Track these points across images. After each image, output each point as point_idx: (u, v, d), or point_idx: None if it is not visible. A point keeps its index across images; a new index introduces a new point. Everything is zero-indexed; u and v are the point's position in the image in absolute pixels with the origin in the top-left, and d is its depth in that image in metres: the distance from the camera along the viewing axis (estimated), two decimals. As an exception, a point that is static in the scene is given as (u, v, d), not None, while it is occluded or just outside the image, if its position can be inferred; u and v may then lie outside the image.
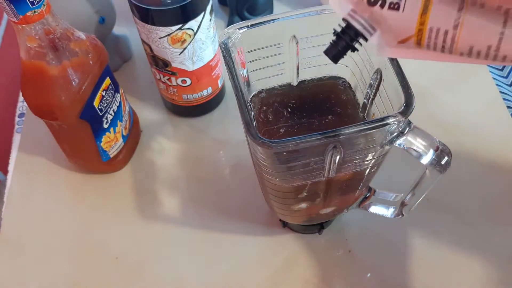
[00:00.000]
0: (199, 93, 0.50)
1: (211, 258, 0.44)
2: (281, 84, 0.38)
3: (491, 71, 0.56)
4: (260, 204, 0.46)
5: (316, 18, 0.34)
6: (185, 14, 0.41)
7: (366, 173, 0.34)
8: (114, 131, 0.47)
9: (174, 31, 0.42)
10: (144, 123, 0.53)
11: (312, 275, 0.42)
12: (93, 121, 0.43)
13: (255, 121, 0.37)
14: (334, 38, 0.28)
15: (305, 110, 0.37)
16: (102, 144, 0.46)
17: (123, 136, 0.49)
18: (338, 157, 0.30)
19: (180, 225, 0.46)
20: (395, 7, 0.23)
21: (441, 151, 0.29)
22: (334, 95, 0.38)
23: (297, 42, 0.35)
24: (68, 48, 0.39)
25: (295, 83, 0.39)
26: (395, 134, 0.29)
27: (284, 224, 0.45)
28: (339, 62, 0.30)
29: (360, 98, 0.37)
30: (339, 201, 0.38)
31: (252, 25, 0.33)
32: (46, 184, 0.50)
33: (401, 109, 0.28)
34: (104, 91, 0.43)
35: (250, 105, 0.37)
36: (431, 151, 0.29)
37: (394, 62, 0.30)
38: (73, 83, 0.39)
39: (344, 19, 0.26)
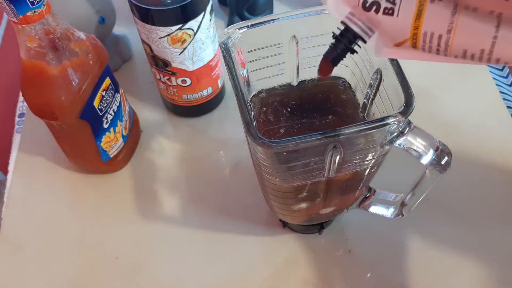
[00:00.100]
0: (199, 93, 0.50)
1: (211, 258, 0.44)
2: (281, 84, 0.38)
3: (491, 71, 0.56)
4: (260, 204, 0.46)
5: (316, 18, 0.34)
6: (185, 14, 0.41)
7: (366, 173, 0.34)
8: (114, 131, 0.47)
9: (174, 31, 0.42)
10: (144, 123, 0.53)
11: (312, 275, 0.42)
12: (93, 121, 0.43)
13: (255, 121, 0.37)
14: (333, 41, 0.28)
15: (305, 110, 0.37)
16: (102, 144, 0.46)
17: (123, 136, 0.49)
18: (338, 157, 0.30)
19: (180, 225, 0.46)
20: (389, 12, 0.24)
21: (441, 151, 0.29)
22: (334, 95, 0.38)
23: (297, 42, 0.35)
24: (68, 48, 0.39)
25: (295, 83, 0.39)
26: (395, 134, 0.29)
27: (284, 224, 0.45)
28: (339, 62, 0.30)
29: (360, 98, 0.37)
30: (339, 201, 0.38)
31: (252, 25, 0.33)
32: (46, 184, 0.50)
33: (401, 109, 0.28)
34: (104, 91, 0.43)
35: (250, 105, 0.37)
36: (431, 151, 0.29)
37: (394, 62, 0.30)
38: (73, 83, 0.39)
39: (342, 22, 0.27)
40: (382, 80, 0.32)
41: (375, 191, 0.39)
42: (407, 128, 0.29)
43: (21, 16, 0.34)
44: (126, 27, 0.61)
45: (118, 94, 0.46)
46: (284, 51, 0.36)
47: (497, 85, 0.55)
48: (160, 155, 0.51)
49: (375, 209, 0.39)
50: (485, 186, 0.47)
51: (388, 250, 0.44)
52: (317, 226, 0.44)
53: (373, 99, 0.34)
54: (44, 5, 0.35)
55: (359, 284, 0.42)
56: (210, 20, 0.44)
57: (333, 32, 0.28)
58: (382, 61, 0.32)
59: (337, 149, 0.29)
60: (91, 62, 0.41)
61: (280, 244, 0.44)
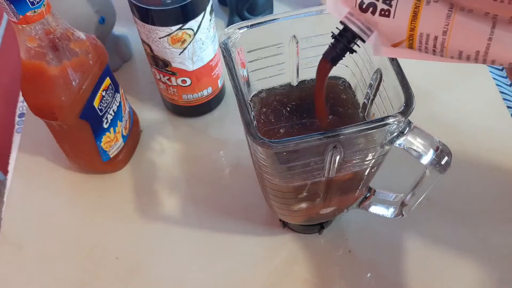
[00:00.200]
0: (199, 93, 0.50)
1: (211, 258, 0.44)
2: (281, 84, 0.38)
3: (491, 71, 0.56)
4: (260, 204, 0.46)
5: (316, 18, 0.34)
6: (185, 14, 0.41)
7: (366, 173, 0.34)
8: (114, 131, 0.47)
9: (174, 31, 0.42)
10: (144, 123, 0.53)
11: (312, 275, 0.42)
12: (93, 121, 0.43)
13: (255, 121, 0.37)
14: (332, 41, 0.29)
15: (305, 110, 0.37)
16: (102, 144, 0.46)
17: (123, 136, 0.49)
18: (338, 157, 0.30)
19: (180, 225, 0.46)
20: (385, 14, 0.24)
21: (441, 151, 0.29)
22: (334, 95, 0.38)
23: (297, 42, 0.35)
24: (68, 48, 0.39)
25: (295, 83, 0.39)
26: (395, 134, 0.29)
27: (284, 224, 0.45)
28: (339, 62, 0.30)
29: (360, 98, 0.37)
30: (339, 201, 0.38)
31: (252, 25, 0.33)
32: (46, 184, 0.50)
33: (401, 109, 0.28)
34: (104, 91, 0.43)
35: (250, 105, 0.37)
36: (431, 151, 0.29)
37: (394, 62, 0.30)
38: (73, 83, 0.39)
39: (341, 22, 0.27)
40: (382, 80, 0.32)
41: (375, 191, 0.39)
42: (407, 128, 0.29)
43: (21, 16, 0.34)
44: (126, 27, 0.61)
45: (118, 94, 0.46)
46: (284, 51, 0.36)
47: (497, 85, 0.55)
48: (160, 155, 0.51)
49: (375, 209, 0.39)
50: (485, 186, 0.47)
51: (388, 250, 0.44)
52: (317, 226, 0.44)
53: (373, 99, 0.34)
54: (44, 5, 0.35)
55: (359, 284, 0.42)
56: (210, 20, 0.44)
57: (332, 32, 0.28)
58: (382, 61, 0.32)
59: (337, 149, 0.29)
60: (91, 62, 0.41)
61: (280, 244, 0.44)
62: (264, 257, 0.44)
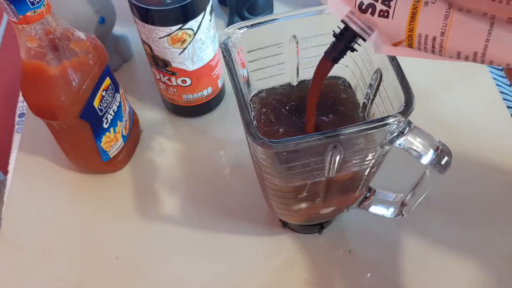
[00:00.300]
0: (199, 93, 0.50)
1: (211, 258, 0.44)
2: (281, 84, 0.38)
3: (491, 71, 0.56)
4: (260, 204, 0.46)
5: (316, 18, 0.34)
6: (185, 14, 0.41)
7: (366, 173, 0.34)
8: (114, 131, 0.47)
9: (174, 31, 0.42)
10: (144, 123, 0.53)
11: (312, 275, 0.42)
12: (93, 121, 0.43)
13: (255, 121, 0.37)
14: (333, 39, 0.29)
15: (305, 110, 0.37)
16: (102, 144, 0.46)
17: (123, 136, 0.49)
18: (338, 157, 0.30)
19: (180, 225, 0.46)
20: (384, 14, 0.24)
21: (441, 151, 0.29)
22: (334, 95, 0.38)
23: (297, 42, 0.35)
24: (68, 48, 0.39)
25: (295, 83, 0.39)
26: (395, 134, 0.29)
27: (284, 224, 0.45)
28: (339, 62, 0.30)
29: (360, 98, 0.37)
30: (339, 201, 0.38)
31: (252, 25, 0.33)
32: (46, 184, 0.50)
33: (401, 109, 0.28)
34: (104, 91, 0.43)
35: (250, 105, 0.37)
36: (431, 151, 0.29)
37: (394, 62, 0.30)
38: (73, 83, 0.39)
39: (342, 21, 0.27)
40: (382, 80, 0.32)
41: (375, 191, 0.39)
42: (407, 128, 0.29)
43: (21, 16, 0.34)
44: (126, 27, 0.61)
45: (118, 94, 0.46)
46: (284, 51, 0.36)
47: (497, 85, 0.55)
48: (160, 155, 0.51)
49: (375, 209, 0.39)
50: (485, 186, 0.47)
51: (388, 250, 0.44)
52: (317, 226, 0.44)
53: (373, 99, 0.34)
54: (44, 5, 0.35)
55: (359, 284, 0.42)
56: (210, 20, 0.44)
57: (333, 31, 0.28)
58: (382, 61, 0.32)
59: (337, 149, 0.29)
60: (91, 62, 0.41)
61: (280, 244, 0.44)
62: (264, 257, 0.44)
